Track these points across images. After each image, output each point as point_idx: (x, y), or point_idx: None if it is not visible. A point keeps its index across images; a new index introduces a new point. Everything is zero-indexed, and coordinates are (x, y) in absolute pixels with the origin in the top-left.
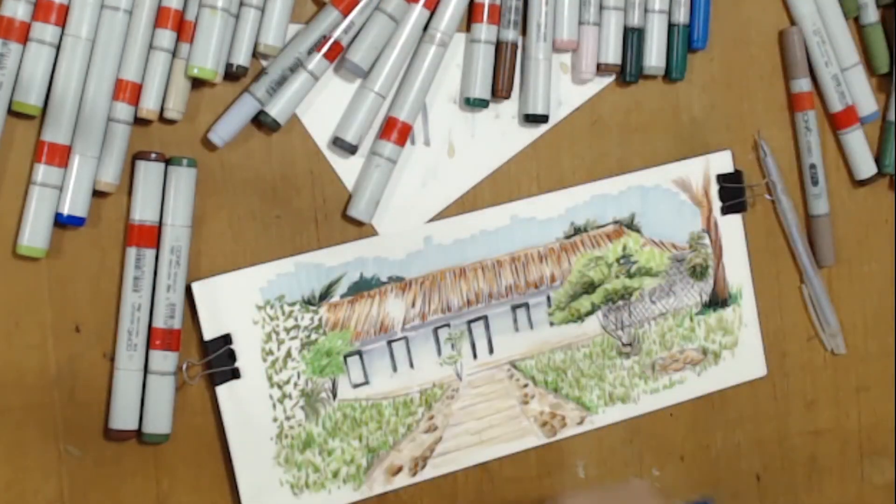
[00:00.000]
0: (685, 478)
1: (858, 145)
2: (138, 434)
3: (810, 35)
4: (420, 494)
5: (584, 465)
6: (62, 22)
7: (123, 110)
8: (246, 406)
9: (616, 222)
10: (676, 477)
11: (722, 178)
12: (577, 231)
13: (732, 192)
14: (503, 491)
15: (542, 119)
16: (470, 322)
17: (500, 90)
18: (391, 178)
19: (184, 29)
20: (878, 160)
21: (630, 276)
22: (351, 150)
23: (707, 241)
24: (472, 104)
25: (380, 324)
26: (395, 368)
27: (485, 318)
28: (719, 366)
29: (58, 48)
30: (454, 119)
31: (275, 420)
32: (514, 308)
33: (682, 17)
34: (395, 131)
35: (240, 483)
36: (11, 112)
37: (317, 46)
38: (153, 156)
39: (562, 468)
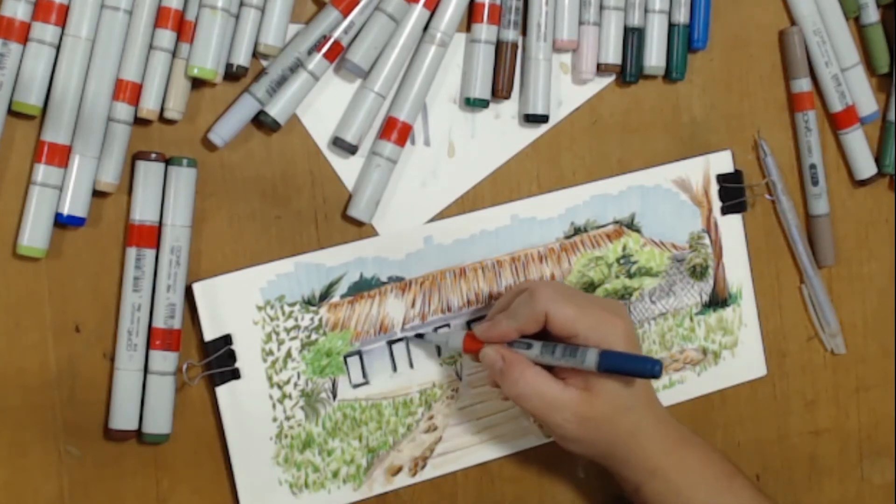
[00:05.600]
0: None
1: (858, 145)
2: (138, 434)
3: (810, 35)
4: (420, 494)
5: (583, 465)
6: (62, 22)
7: (123, 110)
8: (246, 406)
9: (616, 222)
10: None
11: (722, 178)
12: (577, 231)
13: (732, 192)
14: (503, 491)
15: (542, 119)
16: (470, 322)
17: (500, 90)
18: (391, 178)
19: (184, 29)
20: (878, 160)
21: (630, 276)
22: (351, 150)
23: (707, 241)
24: (472, 104)
25: (380, 324)
26: (395, 368)
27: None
28: (719, 366)
29: (58, 48)
30: (454, 119)
31: (274, 420)
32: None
33: (682, 17)
34: (395, 131)
35: (238, 482)
36: (11, 112)
37: (317, 46)
38: (153, 156)
39: (562, 468)
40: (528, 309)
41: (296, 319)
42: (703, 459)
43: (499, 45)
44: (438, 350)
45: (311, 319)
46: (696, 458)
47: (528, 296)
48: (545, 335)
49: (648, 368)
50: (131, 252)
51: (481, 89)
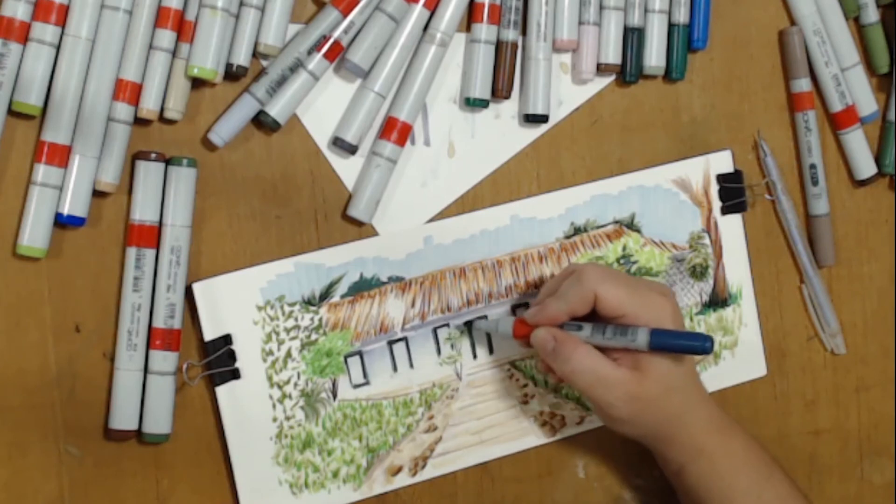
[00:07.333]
0: None
1: (858, 145)
2: (138, 434)
3: (810, 35)
4: (420, 494)
5: (583, 465)
6: (62, 22)
7: (123, 110)
8: (246, 406)
9: (616, 222)
10: None
11: (722, 178)
12: (577, 231)
13: (732, 192)
14: (503, 491)
15: (542, 119)
16: (470, 322)
17: (500, 90)
18: (391, 178)
19: (184, 29)
20: (878, 160)
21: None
22: (351, 150)
23: (707, 241)
24: (472, 104)
25: (380, 324)
26: (395, 368)
27: (485, 318)
28: (719, 366)
29: (58, 48)
30: (454, 119)
31: (274, 420)
32: (515, 308)
33: (682, 17)
34: (395, 131)
35: (238, 482)
36: (11, 112)
37: (317, 46)
38: (153, 156)
39: (562, 468)
40: (577, 290)
41: (296, 319)
42: (746, 446)
43: (499, 45)
44: (438, 350)
45: (311, 319)
46: (739, 444)
47: (577, 278)
48: (593, 318)
49: (700, 344)
50: (131, 252)
51: (481, 89)
